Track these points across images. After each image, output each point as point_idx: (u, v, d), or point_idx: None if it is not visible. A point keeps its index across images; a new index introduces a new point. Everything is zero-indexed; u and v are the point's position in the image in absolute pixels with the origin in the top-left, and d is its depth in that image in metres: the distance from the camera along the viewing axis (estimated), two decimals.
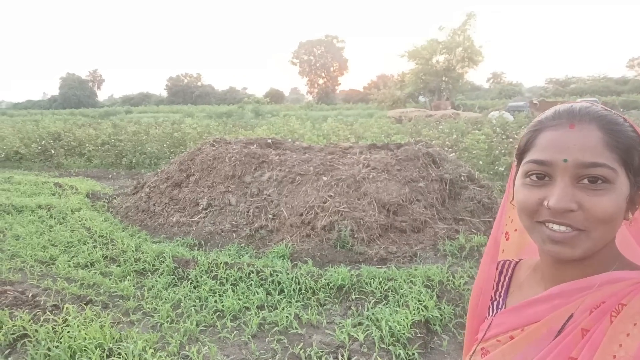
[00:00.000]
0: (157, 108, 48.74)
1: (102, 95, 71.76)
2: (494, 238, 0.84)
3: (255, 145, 6.62)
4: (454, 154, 7.65)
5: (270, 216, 5.20)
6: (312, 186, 5.29)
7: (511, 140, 9.15)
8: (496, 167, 7.84)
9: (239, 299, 3.47)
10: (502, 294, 0.85)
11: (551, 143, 0.65)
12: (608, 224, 0.63)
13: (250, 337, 3.00)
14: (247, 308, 3.39)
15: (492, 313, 0.83)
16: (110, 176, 10.40)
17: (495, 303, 0.85)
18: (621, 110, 25.38)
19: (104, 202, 6.89)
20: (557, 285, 0.71)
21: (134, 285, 3.84)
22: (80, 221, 5.70)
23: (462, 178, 5.36)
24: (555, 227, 0.64)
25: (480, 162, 7.95)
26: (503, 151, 8.50)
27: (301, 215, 5.01)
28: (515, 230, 0.87)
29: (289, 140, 7.79)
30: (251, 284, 3.71)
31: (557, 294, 0.70)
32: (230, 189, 5.78)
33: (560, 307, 0.68)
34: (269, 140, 6.92)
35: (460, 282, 3.67)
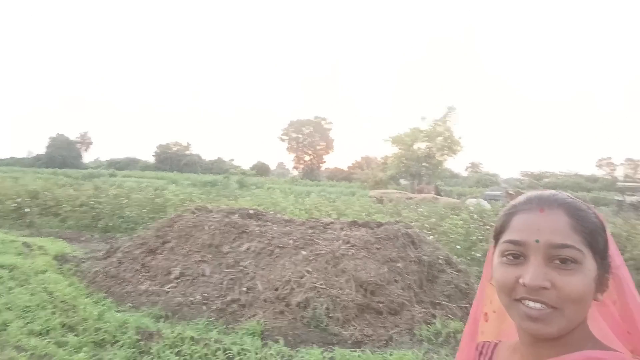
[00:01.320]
0: (142, 173, 48.75)
1: (88, 158, 71.75)
2: (473, 317, 0.87)
3: (236, 215, 6.60)
4: (432, 236, 7.72)
5: (244, 289, 5.04)
6: (291, 260, 5.22)
7: (488, 227, 9.29)
8: (473, 253, 7.89)
9: None
10: None
11: (524, 225, 0.71)
12: (579, 302, 0.67)
13: None
14: None
15: None
16: (83, 238, 10.05)
17: None
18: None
19: (72, 265, 6.60)
20: None
21: (89, 358, 3.57)
22: (42, 284, 5.40)
23: (440, 261, 5.37)
24: (532, 304, 0.67)
25: (458, 247, 8.01)
26: (480, 237, 8.61)
27: (276, 289, 4.87)
28: (494, 312, 0.89)
29: (271, 212, 7.81)
30: None
31: None
32: (206, 259, 5.64)
33: None
34: (251, 211, 6.92)
35: None
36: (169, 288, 5.27)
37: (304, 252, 5.28)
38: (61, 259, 6.99)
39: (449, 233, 8.73)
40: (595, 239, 0.69)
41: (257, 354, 3.61)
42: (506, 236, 0.73)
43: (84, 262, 6.83)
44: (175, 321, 4.60)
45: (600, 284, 0.70)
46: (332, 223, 6.50)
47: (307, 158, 64.79)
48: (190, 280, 5.35)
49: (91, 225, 11.41)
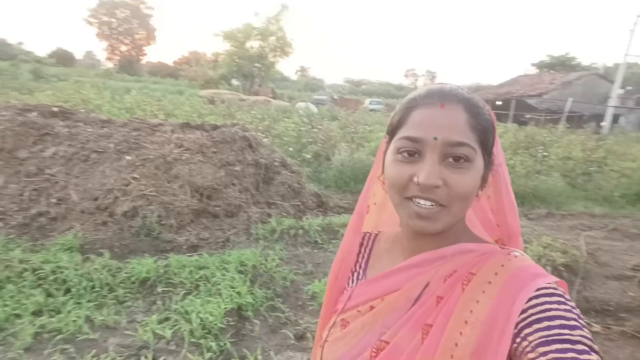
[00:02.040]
0: None
1: None
2: (359, 212, 0.85)
3: (35, 113, 5.37)
4: (266, 139, 7.81)
5: (54, 200, 4.30)
6: (112, 166, 4.60)
7: (315, 130, 9.86)
8: (304, 155, 8.35)
9: (5, 305, 2.75)
10: (363, 265, 0.85)
11: (423, 121, 0.67)
12: (466, 200, 0.68)
13: (22, 350, 2.40)
14: (18, 316, 2.71)
15: (353, 284, 0.83)
16: None
17: (355, 274, 0.85)
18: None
19: None
20: (415, 255, 0.74)
21: None
22: None
23: (276, 163, 5.49)
24: (422, 202, 0.66)
25: (291, 149, 8.34)
26: (309, 140, 9.11)
27: (96, 199, 4.31)
28: (375, 204, 0.90)
29: (82, 110, 6.62)
30: (24, 285, 2.99)
31: (415, 264, 0.73)
32: None
33: (418, 276, 0.71)
34: (55, 109, 5.72)
35: (272, 265, 3.74)
36: None
37: (128, 157, 4.70)
38: None
39: (282, 136, 8.97)
40: (487, 136, 0.69)
41: (77, 270, 3.20)
42: (403, 132, 0.69)
43: None
44: None
45: (484, 180, 0.71)
46: (160, 125, 5.88)
47: (123, 48, 55.84)
48: None
49: None
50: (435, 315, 0.66)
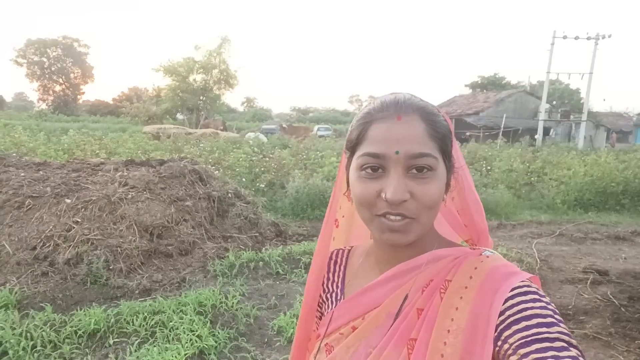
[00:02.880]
0: None
1: None
2: (327, 228, 0.83)
3: None
4: (218, 171, 7.62)
5: None
6: (51, 211, 4.25)
7: (267, 159, 9.79)
8: (257, 184, 8.22)
9: None
10: (340, 285, 0.83)
11: (382, 136, 0.67)
12: (434, 209, 0.68)
13: None
14: None
15: (332, 306, 0.81)
16: None
17: (333, 295, 0.83)
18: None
19: None
20: (391, 267, 0.73)
21: None
22: None
23: (230, 195, 5.33)
24: (392, 217, 0.66)
25: (244, 180, 8.19)
26: (262, 169, 9.01)
27: (34, 249, 3.94)
28: (343, 216, 0.90)
29: (14, 154, 6.14)
30: None
31: (392, 277, 0.73)
32: None
33: (396, 290, 0.71)
34: None
35: (233, 302, 3.55)
36: None
37: (68, 201, 4.37)
38: None
39: (233, 167, 8.81)
40: (445, 142, 0.69)
41: (13, 329, 2.86)
42: (364, 148, 0.68)
43: None
44: None
45: (447, 185, 0.72)
46: (102, 164, 5.56)
47: (58, 88, 53.34)
48: None
49: None
50: (418, 328, 0.66)
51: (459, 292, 0.65)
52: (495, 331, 0.59)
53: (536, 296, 0.61)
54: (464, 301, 0.64)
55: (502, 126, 23.85)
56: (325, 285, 0.86)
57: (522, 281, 0.63)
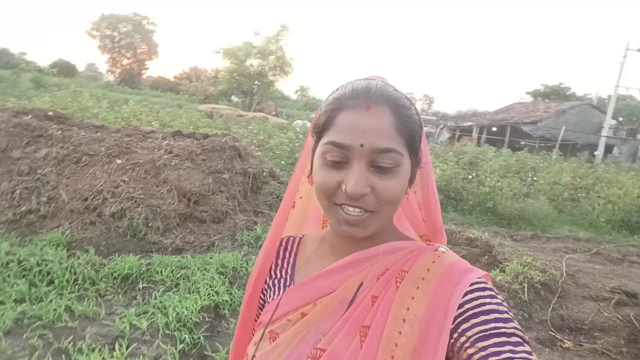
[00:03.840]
0: None
1: None
2: (285, 207, 0.81)
3: (30, 116, 5.51)
4: (259, 152, 7.96)
5: (44, 199, 4.39)
6: (103, 169, 4.72)
7: None
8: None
9: None
10: (289, 271, 0.80)
11: (349, 126, 0.65)
12: (394, 204, 0.68)
13: (1, 334, 2.47)
14: (1, 302, 2.78)
15: (279, 292, 0.78)
16: None
17: (282, 281, 0.80)
18: None
19: None
20: (346, 256, 0.73)
21: None
22: None
23: (265, 173, 5.62)
24: (351, 209, 0.66)
25: (282, 162, 8.49)
26: None
27: (86, 200, 4.40)
28: (300, 198, 0.88)
29: (78, 116, 6.77)
30: (9, 275, 3.06)
31: (347, 264, 0.72)
32: None
33: (351, 277, 0.70)
34: (50, 113, 5.86)
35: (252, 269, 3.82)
36: None
37: (118, 161, 4.82)
38: None
39: (275, 149, 9.13)
40: (414, 138, 0.68)
41: (61, 264, 3.28)
42: (329, 136, 0.67)
43: None
44: None
45: (411, 179, 0.71)
46: (152, 132, 6.03)
47: (125, 62, 56.62)
48: None
49: None
50: (372, 315, 0.65)
51: (416, 282, 0.65)
52: (453, 323, 0.60)
53: (492, 292, 0.62)
54: (421, 291, 0.64)
55: (560, 138, 22.74)
56: (272, 272, 0.82)
57: (479, 278, 0.64)
